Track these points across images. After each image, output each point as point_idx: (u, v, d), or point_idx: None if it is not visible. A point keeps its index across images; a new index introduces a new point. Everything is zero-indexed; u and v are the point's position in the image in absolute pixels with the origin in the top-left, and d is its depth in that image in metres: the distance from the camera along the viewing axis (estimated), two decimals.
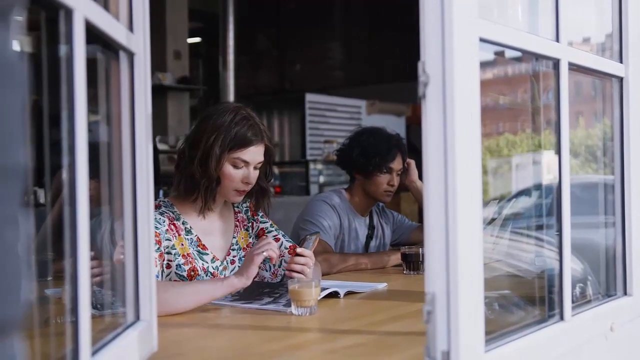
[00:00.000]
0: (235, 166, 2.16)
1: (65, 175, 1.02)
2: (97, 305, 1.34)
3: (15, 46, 0.60)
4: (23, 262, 0.59)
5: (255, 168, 2.20)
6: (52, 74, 1.03)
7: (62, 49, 1.01)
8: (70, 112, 1.00)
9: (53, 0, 0.94)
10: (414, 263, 2.62)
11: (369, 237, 3.12)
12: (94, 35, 1.10)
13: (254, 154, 2.18)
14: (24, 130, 0.60)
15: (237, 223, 2.34)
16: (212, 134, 2.13)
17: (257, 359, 1.48)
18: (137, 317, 1.35)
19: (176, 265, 2.12)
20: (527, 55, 1.58)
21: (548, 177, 1.90)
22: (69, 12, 0.99)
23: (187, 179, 2.17)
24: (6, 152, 0.56)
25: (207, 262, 2.19)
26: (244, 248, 2.32)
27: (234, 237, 2.32)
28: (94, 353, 1.08)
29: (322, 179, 7.57)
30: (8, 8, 0.58)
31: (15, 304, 0.57)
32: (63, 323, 1.35)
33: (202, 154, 2.13)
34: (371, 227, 3.14)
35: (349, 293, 2.16)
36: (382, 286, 2.33)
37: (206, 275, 2.17)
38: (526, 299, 1.70)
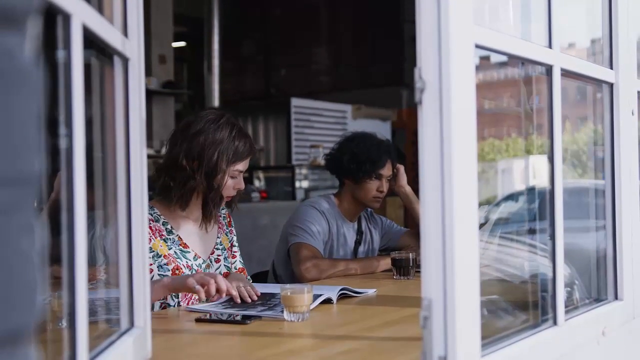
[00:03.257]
0: (232, 177, 2.27)
1: (56, 180, 1.01)
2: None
3: (31, 53, 0.60)
4: (38, 270, 0.58)
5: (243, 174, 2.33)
6: (48, 79, 1.02)
7: (60, 54, 1.00)
8: (68, 117, 0.99)
9: (51, 5, 0.93)
10: (404, 268, 2.62)
11: (358, 243, 3.12)
12: (88, 40, 1.09)
13: (247, 163, 2.32)
14: (40, 138, 0.60)
15: (220, 225, 2.43)
16: (213, 150, 2.21)
17: None
18: (132, 324, 1.34)
19: (158, 266, 2.17)
20: (514, 60, 1.59)
21: (535, 182, 1.91)
22: (66, 18, 0.98)
23: (189, 192, 2.24)
24: (23, 159, 0.56)
25: (190, 260, 2.26)
26: (227, 249, 2.42)
27: (218, 237, 2.40)
28: None
29: (308, 184, 7.56)
30: (24, 15, 0.58)
31: (31, 311, 0.57)
32: (55, 329, 1.34)
33: (207, 170, 2.21)
34: (359, 233, 3.14)
35: (342, 296, 2.16)
36: (372, 292, 2.33)
37: (191, 272, 2.23)
38: (518, 304, 1.71)
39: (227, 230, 2.46)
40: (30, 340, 0.58)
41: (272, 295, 2.16)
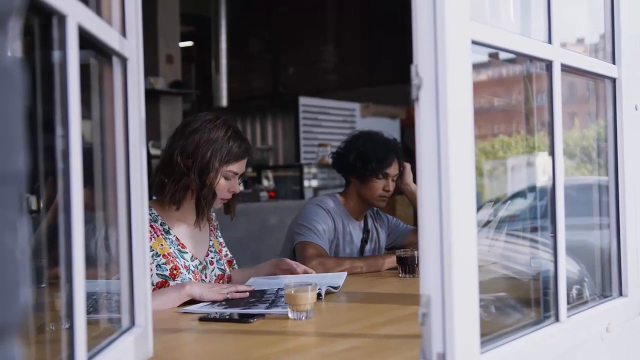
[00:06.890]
0: (226, 178, 2.30)
1: (59, 181, 1.01)
2: (89, 310, 1.33)
3: (13, 52, 0.61)
4: (22, 267, 0.59)
5: (239, 177, 2.36)
6: (45, 80, 1.03)
7: (56, 55, 1.00)
8: (64, 118, 1.00)
9: (46, 6, 0.94)
10: (409, 266, 2.62)
11: (364, 241, 3.12)
12: (86, 40, 1.10)
13: (243, 165, 2.34)
14: (23, 136, 0.61)
15: (212, 228, 2.48)
16: (207, 148, 2.25)
17: None
18: (133, 323, 1.35)
19: (157, 266, 2.21)
20: (521, 57, 1.59)
21: (543, 179, 1.91)
22: (62, 18, 0.99)
23: (182, 189, 2.27)
24: (6, 157, 0.57)
25: (187, 260, 2.30)
26: (218, 252, 2.46)
27: (210, 240, 2.45)
28: (90, 359, 1.07)
29: (316, 183, 7.55)
30: (6, 15, 0.58)
31: (14, 308, 0.58)
32: (55, 329, 1.34)
33: (200, 168, 2.25)
34: (366, 231, 3.13)
35: (327, 293, 2.19)
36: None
37: (188, 273, 2.27)
38: (522, 301, 1.70)
39: (217, 234, 2.51)
40: (15, 336, 0.59)
41: (264, 292, 2.18)
